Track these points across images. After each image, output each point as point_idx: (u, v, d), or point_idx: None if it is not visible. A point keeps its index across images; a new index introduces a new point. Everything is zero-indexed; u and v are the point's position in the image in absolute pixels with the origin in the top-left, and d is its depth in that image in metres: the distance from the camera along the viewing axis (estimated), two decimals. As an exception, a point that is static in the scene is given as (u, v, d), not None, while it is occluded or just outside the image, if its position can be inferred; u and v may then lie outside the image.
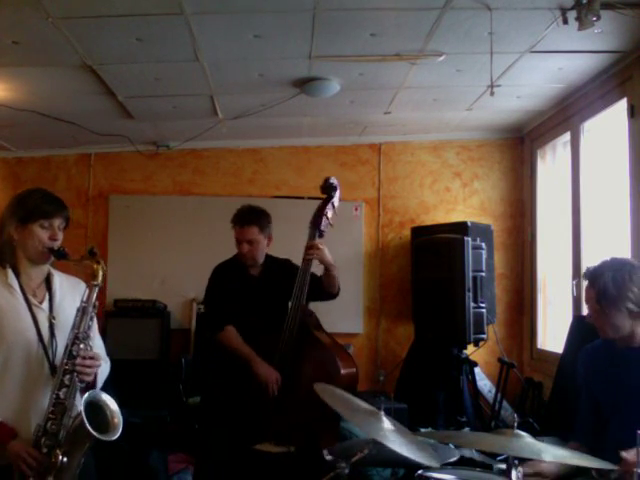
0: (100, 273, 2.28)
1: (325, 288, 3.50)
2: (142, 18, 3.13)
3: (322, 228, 3.40)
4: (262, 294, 3.50)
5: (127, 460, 3.86)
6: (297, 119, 5.06)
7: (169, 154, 5.61)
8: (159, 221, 5.50)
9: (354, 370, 3.44)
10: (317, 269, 3.50)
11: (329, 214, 3.42)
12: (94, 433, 2.08)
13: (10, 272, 2.28)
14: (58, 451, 2.12)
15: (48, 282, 2.36)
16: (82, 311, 2.25)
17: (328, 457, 3.02)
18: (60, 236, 2.31)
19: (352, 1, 3.05)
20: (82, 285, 2.44)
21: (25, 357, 2.21)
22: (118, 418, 2.18)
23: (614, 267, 2.40)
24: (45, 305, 2.30)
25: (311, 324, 3.48)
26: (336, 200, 3.46)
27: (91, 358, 2.23)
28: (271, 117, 4.79)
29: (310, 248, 3.36)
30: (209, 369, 3.71)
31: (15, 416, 2.17)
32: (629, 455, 2.03)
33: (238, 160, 5.65)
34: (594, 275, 2.43)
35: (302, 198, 5.37)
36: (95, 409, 2.15)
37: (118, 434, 2.15)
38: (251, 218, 3.52)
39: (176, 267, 5.37)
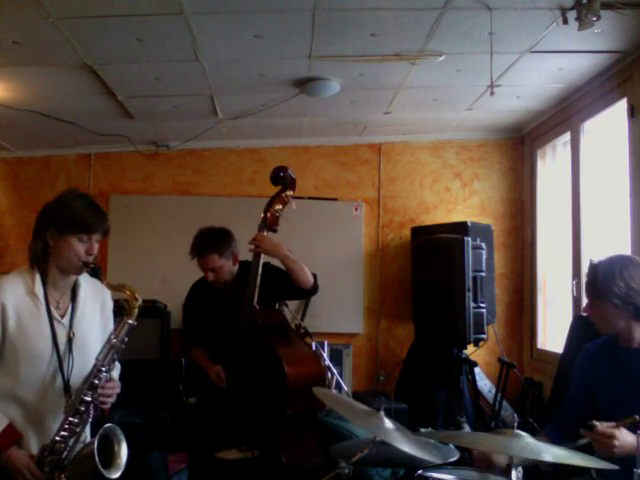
0: (136, 312, 2.21)
1: (293, 283, 3.35)
2: (142, 18, 3.13)
3: (270, 224, 3.28)
4: (237, 307, 3.37)
5: (127, 460, 3.86)
6: (297, 119, 5.06)
7: (169, 154, 5.61)
8: (159, 221, 5.50)
9: (310, 371, 3.29)
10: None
11: (277, 207, 3.29)
12: (102, 471, 2.05)
13: (38, 279, 2.21)
14: (63, 475, 2.10)
15: (73, 292, 2.29)
16: (110, 345, 2.20)
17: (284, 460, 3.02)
18: (96, 249, 2.22)
19: (352, 1, 3.05)
20: (106, 293, 2.40)
21: (39, 370, 2.17)
22: (122, 459, 2.15)
23: (609, 261, 2.42)
24: (66, 320, 2.24)
25: (265, 325, 3.33)
26: (289, 192, 3.32)
27: (109, 388, 2.20)
28: (271, 117, 4.79)
29: (251, 242, 3.26)
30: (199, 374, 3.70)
31: (20, 425, 2.16)
32: (602, 427, 2.09)
33: (238, 160, 5.65)
34: (590, 268, 2.47)
35: (302, 198, 5.34)
36: (105, 442, 2.12)
37: (118, 475, 2.12)
38: (207, 247, 3.41)
39: (176, 267, 5.32)
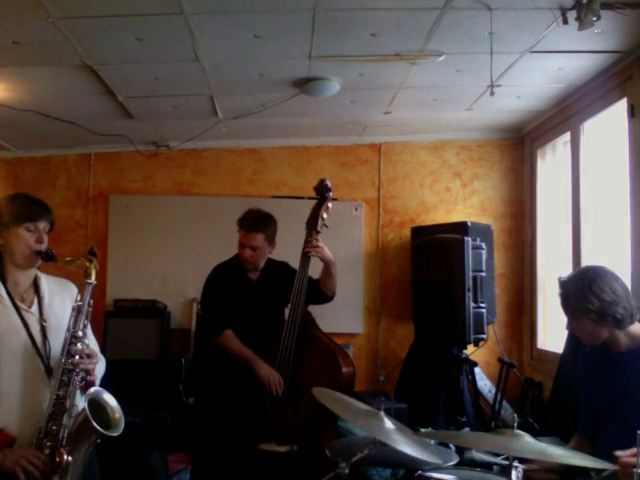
0: (93, 272, 2.27)
1: (321, 289, 3.49)
2: (142, 18, 3.13)
3: (318, 229, 3.40)
4: (260, 298, 3.49)
5: (127, 460, 3.86)
6: (297, 119, 5.06)
7: (169, 154, 5.61)
8: (159, 221, 5.50)
9: (353, 369, 3.45)
10: (313, 273, 3.52)
11: (324, 215, 3.42)
12: (99, 428, 2.07)
13: None
14: (62, 450, 2.11)
15: (36, 286, 2.34)
16: (77, 310, 2.25)
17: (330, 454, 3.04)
18: (46, 239, 2.29)
19: (352, 1, 3.05)
20: (71, 286, 2.45)
21: (18, 361, 2.19)
22: (119, 413, 2.19)
23: (577, 278, 2.43)
24: (34, 309, 2.28)
25: (310, 324, 3.48)
26: (330, 201, 3.46)
27: (89, 356, 2.24)
28: (271, 117, 4.79)
29: (309, 244, 3.36)
30: (208, 370, 3.70)
31: (14, 421, 2.16)
32: (623, 454, 2.03)
33: (238, 160, 5.65)
34: (560, 286, 2.47)
35: (302, 198, 5.36)
36: (97, 407, 2.15)
37: (121, 429, 2.15)
38: (259, 225, 3.49)
39: (176, 267, 5.37)
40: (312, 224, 3.41)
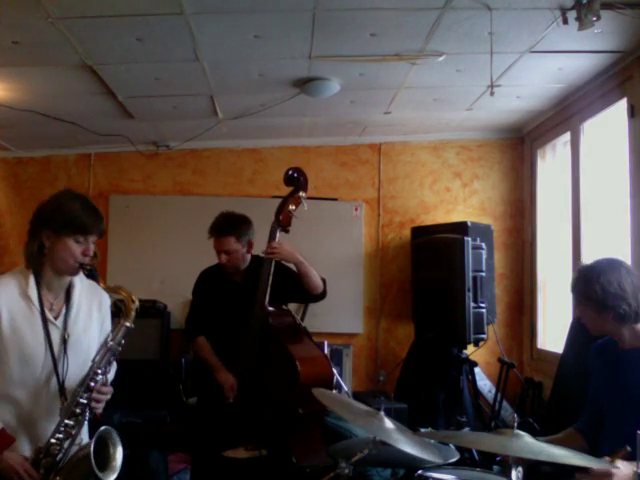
0: (133, 314, 2.19)
1: (305, 287, 3.41)
2: (142, 18, 3.13)
3: (283, 224, 3.32)
4: (244, 300, 3.40)
5: (127, 460, 3.86)
6: (297, 119, 5.06)
7: (169, 154, 5.62)
8: (159, 221, 5.50)
9: (321, 371, 3.30)
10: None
11: (290, 208, 3.33)
12: (98, 474, 2.03)
13: (32, 280, 2.19)
14: (58, 478, 2.08)
15: (67, 295, 2.27)
16: (106, 348, 2.18)
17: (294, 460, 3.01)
18: (92, 251, 2.20)
19: (352, 1, 3.05)
20: (102, 293, 2.38)
21: (33, 372, 2.16)
22: (117, 462, 2.13)
23: (590, 266, 2.44)
24: (60, 321, 2.22)
25: (277, 325, 3.36)
26: (302, 193, 3.35)
27: (104, 392, 2.19)
28: (271, 117, 4.79)
29: (268, 248, 3.30)
30: (203, 371, 3.69)
31: (15, 425, 2.14)
32: (597, 468, 2.05)
33: (238, 160, 5.65)
34: (576, 270, 2.50)
35: (302, 198, 5.36)
36: (101, 444, 2.11)
37: (113, 477, 2.10)
38: (227, 228, 3.44)
39: (176, 267, 5.36)
40: (276, 220, 3.32)
